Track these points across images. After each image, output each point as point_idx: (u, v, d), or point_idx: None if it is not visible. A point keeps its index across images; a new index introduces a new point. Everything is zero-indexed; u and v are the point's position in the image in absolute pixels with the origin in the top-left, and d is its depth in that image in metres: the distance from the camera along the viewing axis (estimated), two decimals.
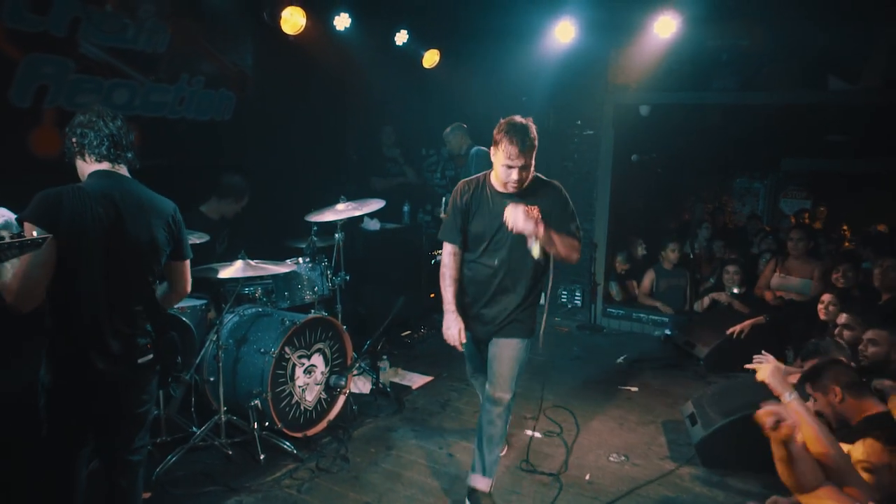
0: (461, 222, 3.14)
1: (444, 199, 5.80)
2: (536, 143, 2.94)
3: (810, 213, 9.59)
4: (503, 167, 2.95)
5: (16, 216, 2.16)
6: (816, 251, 5.82)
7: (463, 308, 3.17)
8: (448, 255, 3.18)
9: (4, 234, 1.95)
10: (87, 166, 2.32)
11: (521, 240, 2.96)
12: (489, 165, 3.95)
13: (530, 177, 3.03)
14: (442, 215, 5.66)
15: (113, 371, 2.24)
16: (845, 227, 9.81)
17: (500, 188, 3.07)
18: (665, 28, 5.36)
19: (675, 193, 9.51)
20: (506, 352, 3.13)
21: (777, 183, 11.32)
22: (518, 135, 2.88)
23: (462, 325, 3.09)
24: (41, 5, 3.65)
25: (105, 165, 2.31)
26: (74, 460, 2.36)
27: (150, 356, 2.36)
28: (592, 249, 6.60)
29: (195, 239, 3.55)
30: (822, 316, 4.49)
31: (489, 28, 6.07)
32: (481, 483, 3.14)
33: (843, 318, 3.92)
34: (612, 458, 3.75)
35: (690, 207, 9.77)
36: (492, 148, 3.01)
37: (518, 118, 2.95)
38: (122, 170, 2.36)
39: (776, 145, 8.69)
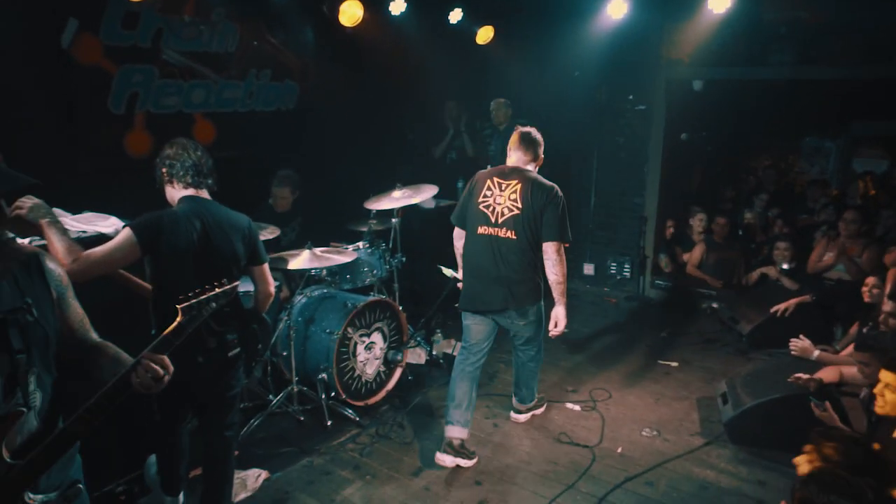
0: None
1: (458, 183, 6.09)
2: None
3: (875, 177, 9.20)
4: None
5: (124, 223, 2.65)
6: (871, 231, 5.74)
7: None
8: None
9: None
10: (176, 192, 2.74)
11: None
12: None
13: None
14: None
15: (209, 363, 2.72)
16: None
17: None
18: (719, 3, 5.31)
19: (734, 162, 9.33)
20: None
21: (849, 142, 10.81)
22: None
23: None
24: (131, 21, 4.08)
25: (191, 191, 2.73)
26: (178, 431, 2.91)
27: (238, 349, 2.83)
28: (642, 223, 6.72)
29: (266, 234, 3.99)
30: (866, 298, 4.56)
31: (542, 4, 6.14)
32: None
33: (888, 305, 3.95)
34: (644, 433, 4.06)
35: (748, 177, 9.56)
36: (540, 149, 3.68)
37: None
38: (204, 193, 2.77)
39: (843, 109, 8.36)
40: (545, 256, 3.52)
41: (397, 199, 4.70)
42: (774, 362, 4.51)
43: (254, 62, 5.04)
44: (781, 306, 5.24)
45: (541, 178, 3.60)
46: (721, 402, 4.17)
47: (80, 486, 1.64)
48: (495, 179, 3.59)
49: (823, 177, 10.31)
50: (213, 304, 1.70)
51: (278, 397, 4.13)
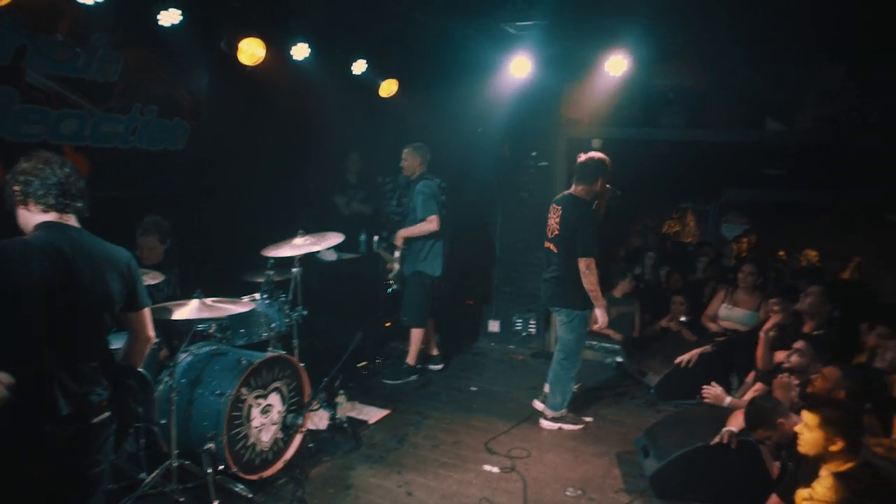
0: None
1: (376, 238, 5.81)
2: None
3: (748, 239, 10.04)
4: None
5: None
6: (765, 284, 6.08)
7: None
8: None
9: None
10: (32, 216, 2.22)
11: None
12: (432, 200, 5.41)
13: None
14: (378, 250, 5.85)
15: (62, 433, 2.14)
16: (782, 253, 10.32)
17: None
18: (616, 67, 5.56)
19: (626, 221, 9.80)
20: None
21: (720, 209, 11.80)
22: None
23: None
24: None
25: (52, 216, 2.21)
26: None
27: (107, 413, 2.28)
28: None
29: (149, 279, 3.46)
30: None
31: (446, 60, 6.17)
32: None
33: (800, 343, 4.06)
34: (568, 493, 3.81)
35: (638, 234, 10.08)
36: (601, 179, 4.57)
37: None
38: (71, 220, 2.26)
39: (719, 176, 9.08)
40: (579, 270, 4.39)
41: (299, 246, 4.31)
42: (690, 411, 4.50)
43: (139, 96, 4.57)
44: (685, 357, 5.32)
45: (580, 201, 4.55)
46: (642, 454, 4.04)
47: None
48: (553, 206, 4.69)
49: (704, 238, 11.12)
50: None
51: (153, 474, 3.47)
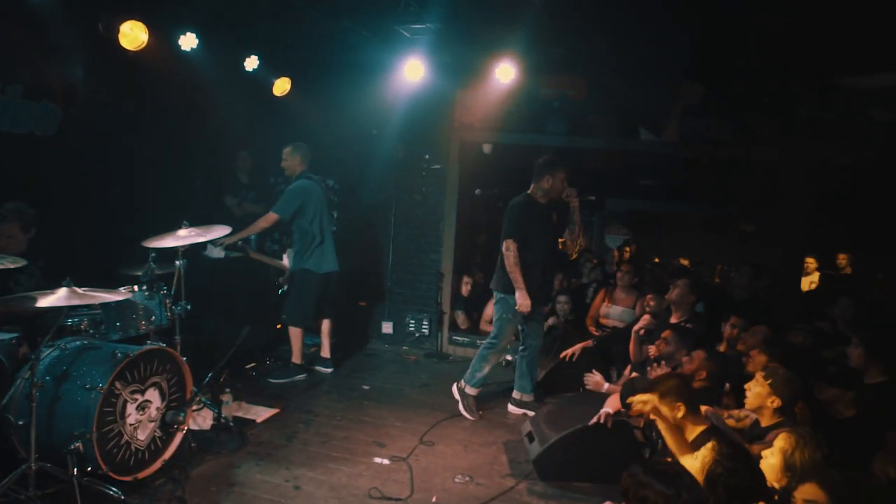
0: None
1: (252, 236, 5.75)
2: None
3: (630, 248, 10.79)
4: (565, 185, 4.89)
5: None
6: (640, 284, 6.54)
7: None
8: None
9: None
10: None
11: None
12: (290, 201, 5.44)
13: None
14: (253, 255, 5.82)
15: None
16: (657, 259, 11.19)
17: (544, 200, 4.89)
18: (505, 74, 5.82)
19: None
20: None
21: (603, 220, 12.60)
22: None
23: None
24: None
25: None
26: None
27: None
28: (439, 279, 6.85)
29: (9, 263, 3.18)
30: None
31: (341, 62, 6.19)
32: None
33: (667, 332, 4.46)
34: (457, 480, 3.90)
35: None
36: (548, 176, 4.80)
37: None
38: None
39: (601, 187, 9.69)
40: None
41: (183, 237, 4.14)
42: (573, 397, 4.75)
43: None
44: (569, 351, 5.60)
45: (522, 195, 4.88)
46: (528, 441, 4.21)
47: None
48: None
49: (589, 247, 11.83)
50: None
51: (5, 480, 3.13)
